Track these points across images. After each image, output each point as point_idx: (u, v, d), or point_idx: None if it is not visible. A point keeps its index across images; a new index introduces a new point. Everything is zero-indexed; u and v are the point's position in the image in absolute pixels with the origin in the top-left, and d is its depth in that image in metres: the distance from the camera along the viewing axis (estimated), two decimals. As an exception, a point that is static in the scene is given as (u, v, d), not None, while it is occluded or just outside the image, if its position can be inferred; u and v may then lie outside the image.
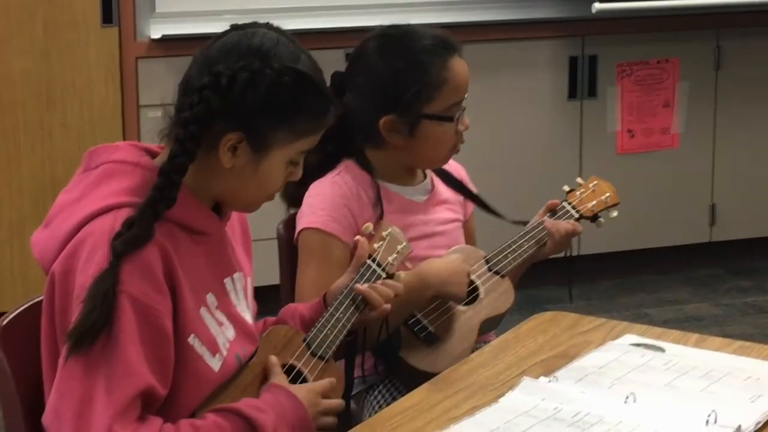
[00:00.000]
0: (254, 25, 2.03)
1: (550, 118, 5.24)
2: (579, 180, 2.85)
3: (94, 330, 1.81)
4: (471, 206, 2.78)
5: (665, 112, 5.37)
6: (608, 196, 2.82)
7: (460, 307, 2.53)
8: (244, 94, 1.93)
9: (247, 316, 2.12)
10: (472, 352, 2.44)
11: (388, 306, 2.21)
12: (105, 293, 1.82)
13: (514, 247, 2.65)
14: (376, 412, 2.33)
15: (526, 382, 2.13)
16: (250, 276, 2.17)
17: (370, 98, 2.56)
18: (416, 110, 2.52)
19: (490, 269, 2.61)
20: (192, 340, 1.94)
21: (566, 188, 2.83)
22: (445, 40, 2.57)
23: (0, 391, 1.99)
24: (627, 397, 2.04)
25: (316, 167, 2.58)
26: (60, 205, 1.96)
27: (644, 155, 5.37)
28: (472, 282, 2.57)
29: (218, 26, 2.09)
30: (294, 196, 2.60)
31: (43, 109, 4.64)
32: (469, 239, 2.76)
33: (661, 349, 2.31)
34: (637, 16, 5.23)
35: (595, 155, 5.28)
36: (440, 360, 2.42)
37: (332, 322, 2.17)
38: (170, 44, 4.62)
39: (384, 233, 2.32)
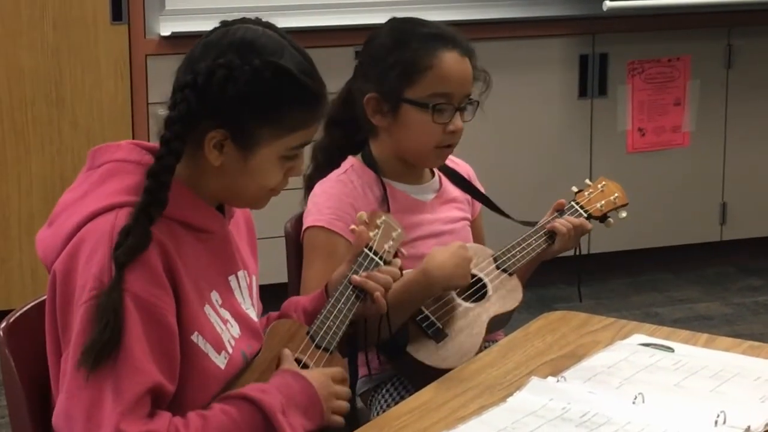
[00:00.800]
0: (243, 21, 2.01)
1: (560, 116, 5.24)
2: (587, 181, 2.85)
3: (110, 347, 1.81)
4: (479, 204, 2.77)
5: (676, 110, 5.36)
6: (617, 197, 2.81)
7: (469, 305, 2.53)
8: (222, 90, 1.92)
9: (252, 314, 2.12)
10: (481, 349, 2.43)
11: (382, 290, 2.21)
12: (115, 308, 1.82)
13: (523, 245, 2.65)
14: (383, 411, 2.33)
15: (534, 381, 2.13)
16: (255, 274, 2.16)
17: (362, 76, 2.59)
18: (397, 92, 2.52)
19: (498, 267, 2.61)
20: (195, 337, 1.94)
21: (575, 189, 2.82)
22: (445, 33, 2.56)
23: (6, 389, 2.00)
24: (635, 398, 2.03)
25: (326, 153, 2.62)
26: (63, 204, 1.96)
27: (655, 154, 5.36)
28: (479, 279, 2.57)
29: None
30: (311, 184, 2.61)
31: (52, 107, 4.64)
32: (478, 237, 2.75)
33: (671, 349, 2.30)
34: (648, 14, 5.22)
35: (605, 154, 5.27)
36: (449, 356, 2.42)
37: (334, 313, 2.17)
38: (180, 41, 4.62)
39: (378, 221, 2.32)
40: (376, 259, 2.27)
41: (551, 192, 2.89)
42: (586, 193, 2.81)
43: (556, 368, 2.22)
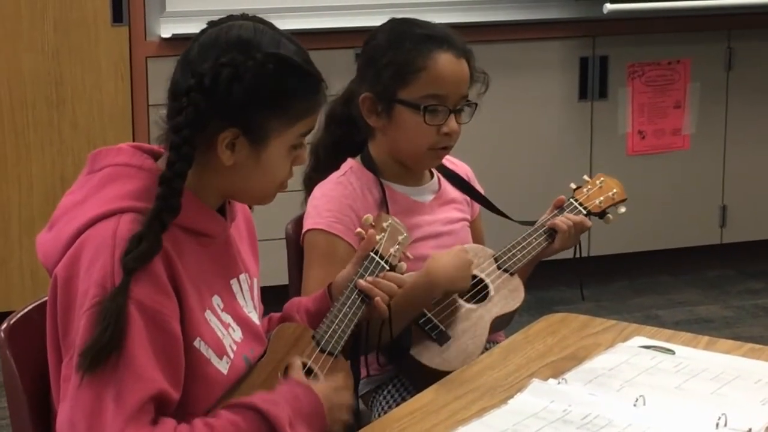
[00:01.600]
0: (230, 18, 2.01)
1: (560, 119, 5.24)
2: (586, 177, 2.85)
3: (109, 349, 1.81)
4: (478, 205, 2.77)
5: (676, 113, 5.36)
6: (615, 192, 2.81)
7: (471, 306, 2.53)
8: (230, 89, 1.92)
9: (254, 317, 2.11)
10: (483, 351, 2.43)
11: (386, 297, 2.21)
12: (118, 312, 1.81)
13: (523, 244, 2.65)
14: (384, 413, 2.33)
15: (535, 383, 2.12)
16: (257, 277, 2.16)
17: (359, 76, 2.60)
18: (390, 92, 2.52)
19: (499, 267, 2.61)
20: (198, 343, 1.93)
21: (573, 185, 2.83)
22: (440, 34, 2.56)
23: (7, 391, 1.99)
24: (636, 400, 2.03)
25: (327, 151, 2.63)
26: (64, 208, 1.95)
27: (655, 156, 5.36)
28: (481, 280, 2.57)
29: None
30: (311, 185, 2.61)
31: (53, 108, 4.64)
32: (478, 238, 2.75)
33: (671, 352, 2.30)
34: (649, 16, 5.22)
35: (605, 156, 5.27)
36: (452, 358, 2.42)
37: (339, 317, 2.17)
38: (180, 43, 4.59)
39: (384, 224, 2.32)
40: (382, 262, 2.26)
41: (551, 194, 2.88)
42: (584, 190, 2.81)
43: (557, 370, 2.22)
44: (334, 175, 2.60)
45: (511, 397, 2.10)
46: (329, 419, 2.00)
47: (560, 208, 2.73)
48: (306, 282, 2.52)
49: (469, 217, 2.74)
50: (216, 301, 2.00)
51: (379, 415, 2.46)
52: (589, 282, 5.14)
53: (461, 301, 2.52)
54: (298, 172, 2.50)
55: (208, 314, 1.97)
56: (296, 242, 2.61)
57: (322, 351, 2.13)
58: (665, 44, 5.29)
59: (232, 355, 2.00)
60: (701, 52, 5.34)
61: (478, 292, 2.56)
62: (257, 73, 1.92)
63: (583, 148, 5.27)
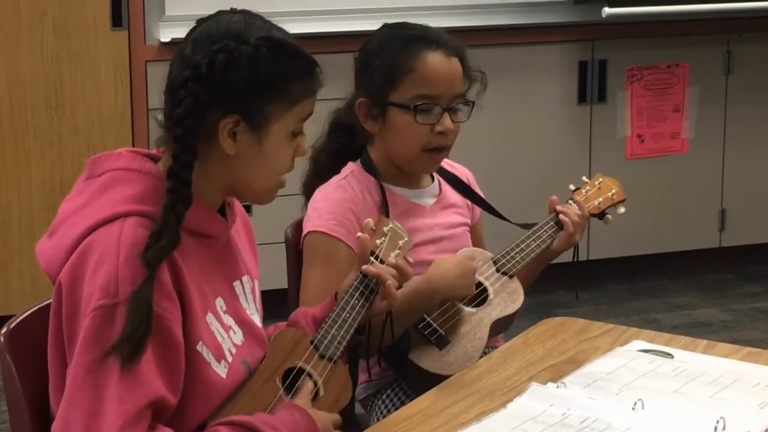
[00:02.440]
0: (219, 13, 2.02)
1: (559, 122, 5.24)
2: (584, 178, 2.85)
3: (143, 343, 1.82)
4: (479, 210, 2.77)
5: (675, 116, 5.36)
6: (614, 193, 2.82)
7: (470, 309, 2.53)
8: (226, 76, 1.92)
9: (256, 319, 2.12)
10: (482, 355, 2.43)
11: (395, 282, 2.22)
12: (147, 307, 1.82)
13: (522, 246, 2.65)
14: (383, 417, 2.33)
15: (534, 387, 2.13)
16: (258, 279, 2.16)
17: (355, 82, 2.61)
18: (383, 96, 2.53)
19: (498, 270, 2.61)
20: (200, 347, 1.93)
21: (572, 186, 2.83)
22: (429, 35, 2.56)
23: (7, 395, 1.99)
24: (635, 404, 2.03)
25: (328, 157, 2.64)
26: (64, 214, 1.95)
27: (654, 160, 5.36)
28: (480, 284, 2.57)
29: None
30: (311, 190, 2.61)
31: (52, 112, 4.64)
32: (478, 243, 2.75)
33: (670, 356, 2.31)
34: (648, 20, 5.23)
35: (604, 160, 5.27)
36: (452, 362, 2.42)
37: (339, 322, 2.17)
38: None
39: (385, 229, 2.32)
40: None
41: (550, 197, 2.89)
42: (583, 191, 2.81)
43: (556, 374, 2.22)
44: (335, 179, 2.60)
45: (510, 400, 2.10)
46: None
47: (555, 212, 2.73)
48: (305, 284, 2.52)
49: (469, 221, 2.74)
50: (219, 303, 2.00)
51: (377, 420, 2.46)
52: (588, 285, 5.15)
53: (460, 305, 2.52)
54: (297, 175, 2.51)
55: (210, 317, 1.97)
56: (296, 246, 2.61)
57: (321, 356, 2.12)
58: (664, 48, 5.30)
59: (230, 359, 2.00)
60: (700, 56, 5.34)
61: (477, 295, 2.56)
62: (252, 57, 1.93)
63: (582, 151, 5.28)
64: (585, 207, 2.75)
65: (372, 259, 2.26)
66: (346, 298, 2.20)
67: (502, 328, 2.60)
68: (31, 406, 1.97)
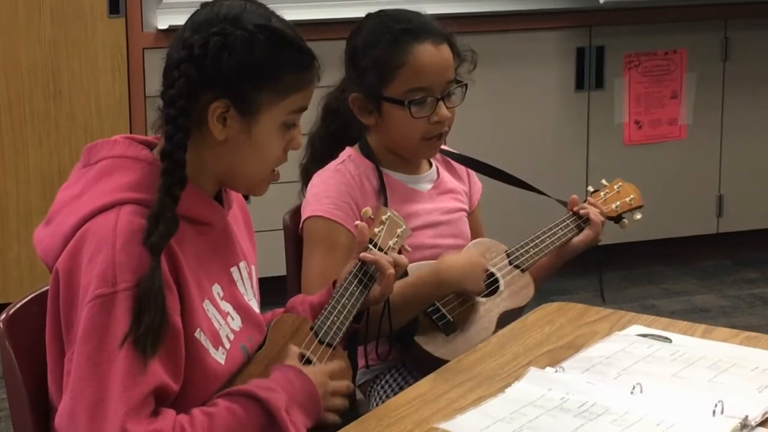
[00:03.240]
0: None
1: (557, 109, 5.24)
2: (604, 181, 2.86)
3: (162, 333, 1.83)
4: (477, 197, 2.77)
5: (673, 103, 5.36)
6: (632, 198, 2.83)
7: (480, 299, 2.53)
8: (219, 58, 1.92)
9: (254, 305, 2.12)
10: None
11: (393, 271, 2.22)
12: (157, 293, 1.82)
13: (536, 242, 2.66)
14: (382, 402, 2.33)
15: (533, 372, 2.13)
16: (255, 265, 2.17)
17: (346, 75, 2.60)
18: (376, 91, 2.53)
19: (511, 263, 2.62)
20: (198, 334, 1.93)
21: (590, 188, 2.83)
22: (415, 26, 2.54)
23: (6, 382, 2.00)
24: (633, 388, 2.04)
25: (323, 143, 2.64)
26: (61, 202, 1.95)
27: (651, 146, 5.36)
28: (492, 274, 2.57)
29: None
30: (308, 175, 2.61)
31: (50, 100, 4.64)
32: (476, 229, 2.75)
33: (668, 340, 2.31)
34: (645, 6, 5.22)
35: (602, 146, 5.28)
36: (458, 349, 2.42)
37: (338, 308, 2.17)
38: (177, 35, 4.61)
39: (383, 217, 2.32)
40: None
41: (548, 185, 2.89)
42: (602, 194, 2.82)
43: (554, 359, 2.22)
44: (333, 163, 2.60)
45: (509, 385, 2.10)
46: (323, 404, 2.01)
47: (576, 213, 2.73)
48: (307, 269, 2.52)
49: (467, 207, 2.74)
50: (216, 289, 2.01)
51: (377, 405, 2.46)
52: (585, 272, 5.15)
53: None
54: (294, 162, 2.51)
55: (207, 304, 1.97)
56: (294, 232, 2.61)
57: (321, 342, 2.13)
58: (662, 34, 5.29)
59: (228, 345, 2.00)
60: (698, 42, 5.34)
61: (488, 285, 2.56)
62: (247, 43, 1.93)
63: (580, 138, 5.28)
64: (602, 209, 2.75)
65: (370, 247, 2.26)
66: (344, 285, 2.21)
67: (510, 320, 2.59)
68: (30, 393, 1.97)
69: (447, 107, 2.54)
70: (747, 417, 1.93)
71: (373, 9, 2.67)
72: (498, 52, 4.98)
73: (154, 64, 4.65)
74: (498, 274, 2.59)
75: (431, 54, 2.52)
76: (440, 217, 2.64)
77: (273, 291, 2.92)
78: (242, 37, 1.93)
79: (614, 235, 5.25)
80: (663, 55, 5.31)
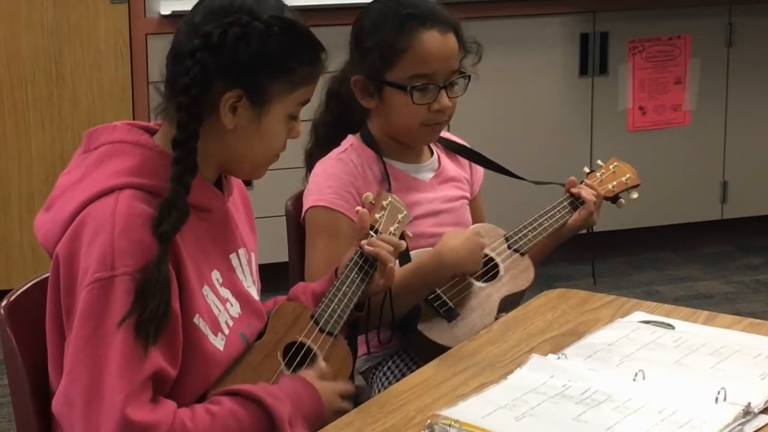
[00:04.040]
0: None
1: (561, 95, 5.23)
2: (599, 162, 2.85)
3: (165, 318, 1.83)
4: (478, 184, 2.77)
5: (677, 89, 5.35)
6: (629, 177, 2.83)
7: (480, 284, 2.53)
8: (236, 49, 1.92)
9: (253, 292, 2.12)
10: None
11: (394, 262, 2.22)
12: (164, 281, 1.83)
13: (534, 225, 2.65)
14: (384, 388, 2.33)
15: (535, 359, 2.13)
16: (255, 251, 2.16)
17: (350, 58, 2.60)
18: (379, 74, 2.52)
19: (510, 247, 2.61)
20: (197, 320, 1.93)
21: (586, 169, 2.83)
22: (422, 12, 2.53)
23: (8, 368, 2.00)
24: (636, 375, 2.03)
25: (327, 128, 2.63)
26: (61, 188, 1.95)
27: (656, 132, 5.35)
28: (491, 259, 2.57)
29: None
30: (312, 161, 2.61)
31: (52, 86, 4.64)
32: (478, 217, 2.75)
33: (671, 327, 2.31)
34: (649, -8, 5.21)
35: (606, 132, 5.27)
36: (460, 336, 2.42)
37: (339, 296, 2.17)
38: (180, 20, 4.60)
39: (384, 203, 2.32)
40: None
41: (552, 171, 2.89)
42: (597, 174, 2.82)
43: (556, 346, 2.22)
44: (335, 152, 2.59)
45: (511, 372, 2.10)
46: (326, 416, 2.01)
47: (572, 193, 2.72)
48: (309, 259, 2.52)
49: (468, 195, 2.73)
50: (215, 275, 2.00)
51: (378, 391, 2.46)
52: (589, 258, 5.15)
53: (471, 279, 2.53)
54: (298, 149, 2.51)
55: (206, 290, 1.97)
56: (296, 219, 2.61)
57: (322, 330, 2.13)
58: (666, 20, 5.28)
59: (227, 332, 2.00)
60: (702, 28, 5.33)
61: (488, 271, 2.56)
62: (264, 34, 1.93)
63: (584, 124, 5.27)
64: (598, 189, 2.75)
65: (371, 233, 2.26)
66: (345, 272, 2.20)
67: (511, 305, 2.59)
68: (31, 378, 1.97)
69: (449, 97, 2.54)
70: (749, 404, 1.92)
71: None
72: (502, 37, 4.97)
73: (157, 50, 4.66)
74: (497, 259, 2.58)
75: (437, 41, 2.52)
76: (441, 206, 2.64)
77: (275, 277, 2.92)
78: (259, 29, 1.93)
79: (618, 221, 5.27)
80: (667, 40, 5.29)
